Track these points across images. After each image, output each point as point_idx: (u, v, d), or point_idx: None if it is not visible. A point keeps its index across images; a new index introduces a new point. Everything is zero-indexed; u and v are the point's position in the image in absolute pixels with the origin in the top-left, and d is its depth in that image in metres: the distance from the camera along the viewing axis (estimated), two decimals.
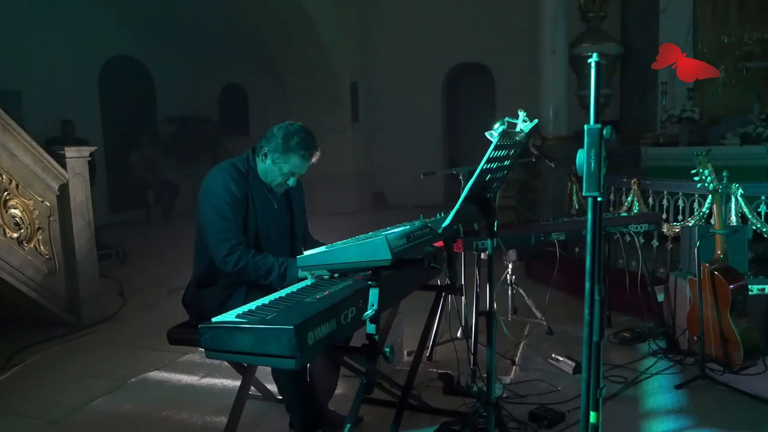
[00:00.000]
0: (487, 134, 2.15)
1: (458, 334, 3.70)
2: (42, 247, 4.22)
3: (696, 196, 4.51)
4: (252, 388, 2.70)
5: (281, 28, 9.69)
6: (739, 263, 3.51)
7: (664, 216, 4.69)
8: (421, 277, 2.56)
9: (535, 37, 7.19)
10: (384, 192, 11.09)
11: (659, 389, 3.14)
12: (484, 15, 9.98)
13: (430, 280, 2.66)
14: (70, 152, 4.43)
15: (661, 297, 3.96)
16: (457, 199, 2.07)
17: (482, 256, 3.34)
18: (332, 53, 10.11)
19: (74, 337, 4.26)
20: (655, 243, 4.73)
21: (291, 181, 2.54)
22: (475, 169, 2.00)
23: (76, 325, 4.43)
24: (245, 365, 2.42)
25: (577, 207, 5.70)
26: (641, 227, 3.97)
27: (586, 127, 1.46)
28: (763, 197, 4.20)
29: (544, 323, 4.08)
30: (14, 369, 3.69)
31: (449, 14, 10.26)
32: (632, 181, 4.98)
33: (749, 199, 4.12)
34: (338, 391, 2.86)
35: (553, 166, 4.18)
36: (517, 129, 2.19)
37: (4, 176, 3.95)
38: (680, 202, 4.67)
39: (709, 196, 3.76)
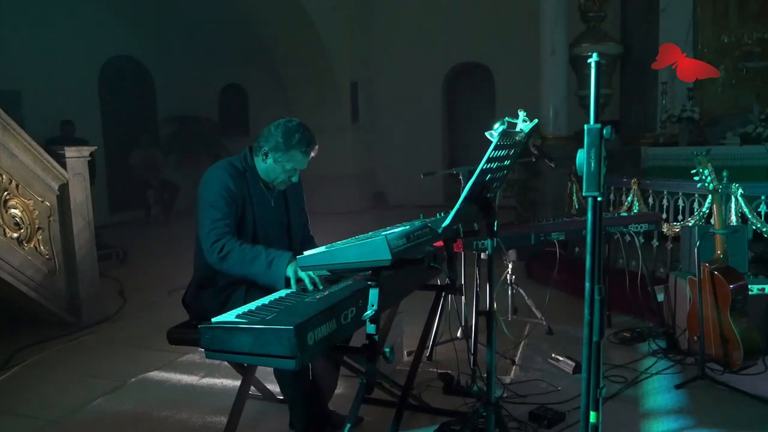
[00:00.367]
0: (487, 134, 2.15)
1: (458, 334, 3.70)
2: (42, 247, 4.22)
3: (696, 196, 4.50)
4: (252, 388, 2.70)
5: (281, 28, 9.70)
6: (739, 263, 3.51)
7: (664, 216, 4.69)
8: (421, 277, 2.56)
9: (535, 37, 7.18)
10: (384, 192, 11.09)
11: (659, 389, 3.14)
12: (484, 15, 9.98)
13: (430, 280, 2.66)
14: (70, 152, 4.43)
15: (661, 297, 3.96)
16: (457, 199, 2.07)
17: (482, 256, 3.33)
18: (332, 53, 10.11)
19: (74, 337, 4.26)
20: (655, 243, 4.72)
21: (294, 178, 2.56)
22: (475, 169, 2.00)
23: (76, 325, 4.43)
24: (245, 365, 2.42)
25: (577, 207, 5.70)
26: (641, 227, 3.97)
27: (586, 127, 1.46)
28: (763, 197, 4.20)
29: (544, 323, 4.08)
30: (14, 369, 3.69)
31: (449, 14, 10.26)
32: (632, 181, 4.98)
33: (749, 199, 4.12)
34: (338, 391, 2.86)
35: (553, 166, 4.18)
36: (517, 129, 2.19)
37: (4, 176, 3.95)
38: (680, 202, 4.67)
39: (709, 196, 3.76)
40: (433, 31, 10.37)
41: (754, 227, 4.10)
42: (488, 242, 2.25)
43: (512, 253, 4.26)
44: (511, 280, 4.25)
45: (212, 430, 2.83)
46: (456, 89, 11.23)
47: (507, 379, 3.31)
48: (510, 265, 4.23)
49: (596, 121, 1.47)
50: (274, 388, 2.95)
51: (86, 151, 4.60)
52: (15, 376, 3.61)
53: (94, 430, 2.92)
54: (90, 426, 2.95)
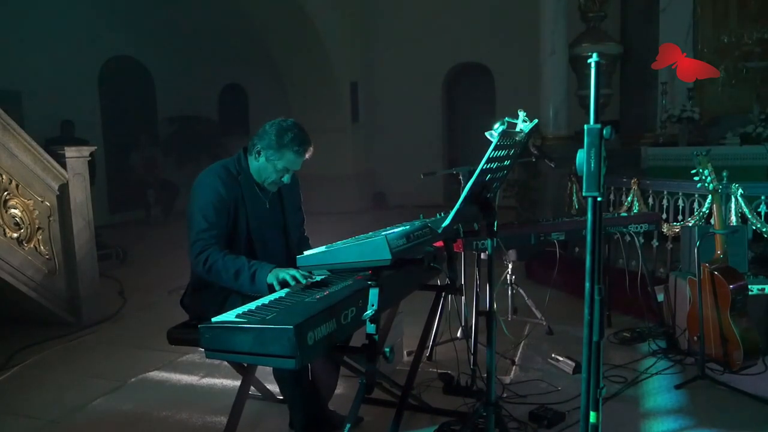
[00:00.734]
0: (487, 134, 2.15)
1: (458, 334, 3.70)
2: (42, 247, 4.22)
3: (696, 196, 4.50)
4: (252, 388, 2.70)
5: (281, 28, 9.70)
6: (739, 263, 3.51)
7: (664, 216, 4.69)
8: (421, 277, 2.56)
9: (535, 37, 7.18)
10: (384, 192, 11.09)
11: (659, 389, 3.14)
12: (484, 15, 9.98)
13: (430, 280, 2.66)
14: (70, 152, 4.43)
15: (661, 297, 3.96)
16: (457, 199, 2.07)
17: (482, 256, 3.33)
18: (332, 53, 10.11)
19: (74, 337, 4.26)
20: (655, 243, 4.72)
21: (285, 178, 2.53)
22: (475, 169, 2.00)
23: (76, 325, 4.43)
24: (245, 365, 2.42)
25: (577, 207, 5.70)
26: (641, 227, 3.97)
27: (586, 127, 1.46)
28: (763, 197, 4.19)
29: (544, 323, 4.08)
30: (14, 369, 3.69)
31: (449, 14, 10.26)
32: (632, 181, 4.98)
33: (749, 199, 4.12)
34: (338, 391, 2.86)
35: (553, 166, 4.17)
36: (517, 129, 2.19)
37: (4, 176, 3.95)
38: (680, 202, 4.67)
39: (709, 196, 3.76)
40: (433, 31, 10.36)
41: (754, 227, 4.10)
42: (488, 242, 2.25)
43: (512, 253, 4.26)
44: (511, 280, 4.25)
45: (212, 430, 2.83)
46: (456, 89, 11.23)
47: (507, 379, 3.31)
48: (510, 265, 4.23)
49: (596, 121, 1.47)
50: (274, 388, 2.95)
51: (86, 151, 4.60)
52: (15, 376, 3.61)
53: (94, 430, 2.92)
54: (90, 426, 2.95)
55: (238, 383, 2.45)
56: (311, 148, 2.52)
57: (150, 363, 3.68)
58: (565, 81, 7.00)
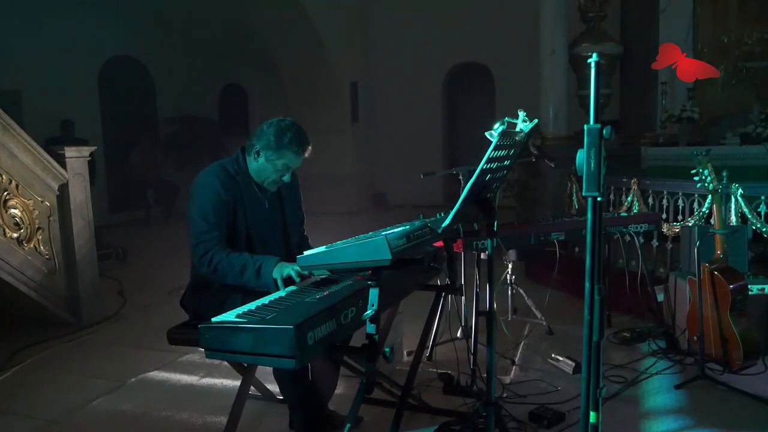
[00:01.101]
0: (487, 134, 2.15)
1: (458, 334, 3.70)
2: (42, 247, 4.22)
3: (696, 196, 4.50)
4: (252, 388, 2.70)
5: (281, 28, 9.69)
6: (738, 263, 3.51)
7: (664, 216, 4.69)
8: (421, 277, 2.56)
9: (535, 37, 7.18)
10: (384, 192, 11.09)
11: (659, 389, 3.14)
12: (484, 15, 9.98)
13: (430, 280, 2.66)
14: (70, 152, 4.43)
15: (661, 297, 3.96)
16: (457, 199, 2.07)
17: (482, 256, 3.33)
18: (332, 53, 10.11)
19: (74, 337, 4.26)
20: (655, 243, 4.72)
21: (286, 177, 2.53)
22: (475, 169, 2.01)
23: (76, 325, 4.43)
24: (245, 365, 2.42)
25: (577, 207, 5.70)
26: (641, 227, 3.97)
27: (586, 127, 1.46)
28: (763, 197, 4.19)
29: (544, 323, 4.08)
30: (14, 369, 3.69)
31: (449, 14, 10.26)
32: (632, 181, 4.98)
33: (749, 199, 4.12)
34: (338, 391, 2.86)
35: (553, 166, 4.16)
36: (517, 129, 2.19)
37: (4, 176, 3.95)
38: (680, 202, 4.67)
39: (709, 196, 3.76)
40: (433, 31, 10.37)
41: (754, 227, 4.10)
42: (488, 242, 2.25)
43: (512, 253, 4.26)
44: (511, 280, 4.25)
45: (212, 430, 2.83)
46: (456, 89, 11.22)
47: (507, 379, 3.31)
48: (510, 265, 4.23)
49: (596, 121, 1.47)
50: (274, 388, 2.95)
51: (86, 151, 4.60)
52: (15, 376, 3.61)
53: (94, 430, 2.92)
54: (90, 426, 2.95)
55: (238, 383, 2.44)
56: (310, 148, 2.52)
57: (150, 363, 3.68)
58: (565, 81, 7.01)
